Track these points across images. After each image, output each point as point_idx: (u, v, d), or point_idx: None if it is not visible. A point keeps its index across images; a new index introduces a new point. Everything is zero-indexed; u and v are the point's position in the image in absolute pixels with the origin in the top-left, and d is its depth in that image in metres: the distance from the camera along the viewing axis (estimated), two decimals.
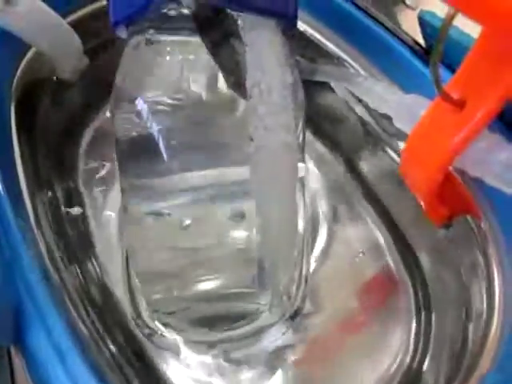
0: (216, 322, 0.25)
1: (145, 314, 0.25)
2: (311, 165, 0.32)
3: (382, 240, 0.29)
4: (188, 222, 0.23)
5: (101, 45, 0.30)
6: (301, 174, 0.26)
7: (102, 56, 0.30)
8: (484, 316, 0.21)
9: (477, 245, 0.23)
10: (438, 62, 0.18)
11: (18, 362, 0.18)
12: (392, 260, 0.29)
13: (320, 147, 0.33)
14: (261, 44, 0.23)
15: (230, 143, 0.24)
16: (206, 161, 0.24)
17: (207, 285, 0.26)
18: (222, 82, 0.24)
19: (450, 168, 0.23)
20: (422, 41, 0.27)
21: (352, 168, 0.32)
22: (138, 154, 0.24)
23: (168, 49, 0.23)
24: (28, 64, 0.28)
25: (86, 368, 0.17)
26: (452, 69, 0.21)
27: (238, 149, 0.24)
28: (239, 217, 0.25)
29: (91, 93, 0.31)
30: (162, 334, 0.25)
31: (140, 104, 0.23)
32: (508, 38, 0.16)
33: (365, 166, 0.32)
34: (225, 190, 0.25)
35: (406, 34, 0.27)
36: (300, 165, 0.25)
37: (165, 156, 0.23)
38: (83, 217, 0.28)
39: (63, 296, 0.21)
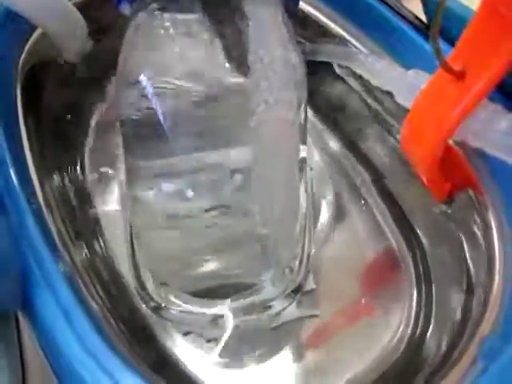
0: (220, 295, 0.25)
1: (150, 288, 0.25)
2: (314, 146, 0.32)
3: (384, 220, 0.30)
4: (191, 193, 0.24)
5: (106, 26, 0.30)
6: (303, 154, 0.26)
7: (108, 37, 0.30)
8: (484, 285, 0.21)
9: (477, 217, 0.23)
10: (437, 32, 0.18)
11: (26, 327, 0.18)
12: (393, 238, 0.29)
13: (323, 129, 0.33)
14: (263, 20, 0.23)
15: (235, 124, 0.24)
16: (210, 142, 0.24)
17: (211, 265, 0.26)
18: (225, 61, 0.24)
19: (451, 142, 0.24)
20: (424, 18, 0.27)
21: (357, 151, 0.32)
22: (142, 134, 0.24)
23: (170, 22, 0.23)
24: (34, 45, 0.28)
25: (93, 329, 0.17)
26: (453, 44, 0.21)
27: (243, 130, 0.24)
28: (242, 197, 0.25)
29: (97, 74, 0.31)
30: (166, 307, 0.25)
31: (143, 82, 0.23)
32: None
33: (369, 149, 0.32)
34: (227, 170, 0.25)
35: (408, 10, 0.27)
36: (302, 146, 0.25)
37: (168, 137, 0.23)
38: (89, 194, 0.28)
39: (71, 269, 0.21)
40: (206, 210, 0.24)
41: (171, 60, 0.23)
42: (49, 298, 0.18)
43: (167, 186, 0.24)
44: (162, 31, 0.23)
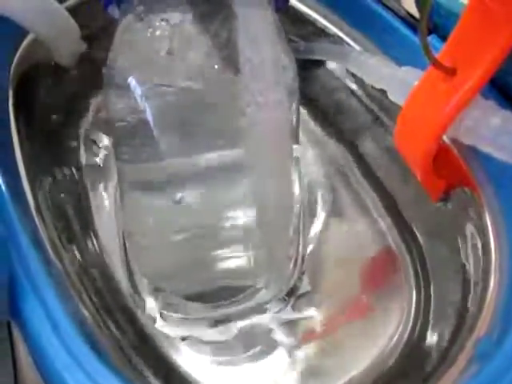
0: (214, 299, 0.25)
1: (144, 294, 0.25)
2: (310, 146, 0.32)
3: (380, 218, 0.29)
4: (182, 197, 0.23)
5: (99, 29, 0.30)
6: (295, 154, 0.25)
7: (100, 41, 0.30)
8: (480, 284, 0.21)
9: (473, 215, 0.23)
10: (425, 29, 0.18)
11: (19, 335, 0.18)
12: (391, 238, 0.28)
13: (318, 129, 0.33)
14: (253, 20, 0.23)
15: (226, 125, 0.24)
16: (201, 144, 0.24)
17: (205, 269, 0.26)
18: (214, 62, 0.23)
19: (445, 139, 0.23)
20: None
21: (351, 149, 0.32)
22: (132, 138, 0.23)
23: (157, 24, 0.22)
24: (26, 50, 0.28)
25: (82, 339, 0.17)
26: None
27: (234, 131, 0.23)
28: (234, 199, 0.24)
29: (90, 77, 0.31)
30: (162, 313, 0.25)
31: (132, 85, 0.23)
32: None
33: (364, 147, 0.31)
34: (220, 173, 0.24)
35: (402, 7, 0.26)
36: (294, 146, 0.25)
37: (158, 140, 0.23)
38: (83, 198, 0.28)
39: (62, 276, 0.21)
40: (198, 213, 0.24)
41: (159, 62, 0.23)
42: (36, 307, 0.17)
43: (158, 190, 0.24)
44: (149, 33, 0.23)
